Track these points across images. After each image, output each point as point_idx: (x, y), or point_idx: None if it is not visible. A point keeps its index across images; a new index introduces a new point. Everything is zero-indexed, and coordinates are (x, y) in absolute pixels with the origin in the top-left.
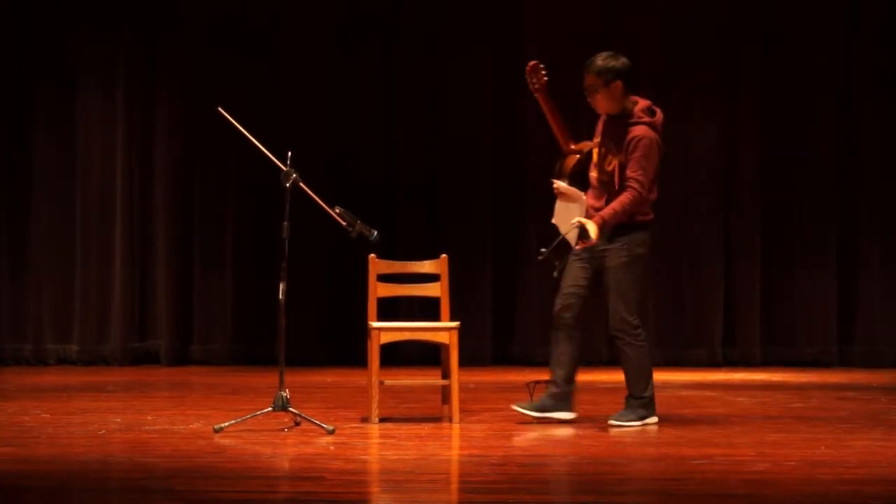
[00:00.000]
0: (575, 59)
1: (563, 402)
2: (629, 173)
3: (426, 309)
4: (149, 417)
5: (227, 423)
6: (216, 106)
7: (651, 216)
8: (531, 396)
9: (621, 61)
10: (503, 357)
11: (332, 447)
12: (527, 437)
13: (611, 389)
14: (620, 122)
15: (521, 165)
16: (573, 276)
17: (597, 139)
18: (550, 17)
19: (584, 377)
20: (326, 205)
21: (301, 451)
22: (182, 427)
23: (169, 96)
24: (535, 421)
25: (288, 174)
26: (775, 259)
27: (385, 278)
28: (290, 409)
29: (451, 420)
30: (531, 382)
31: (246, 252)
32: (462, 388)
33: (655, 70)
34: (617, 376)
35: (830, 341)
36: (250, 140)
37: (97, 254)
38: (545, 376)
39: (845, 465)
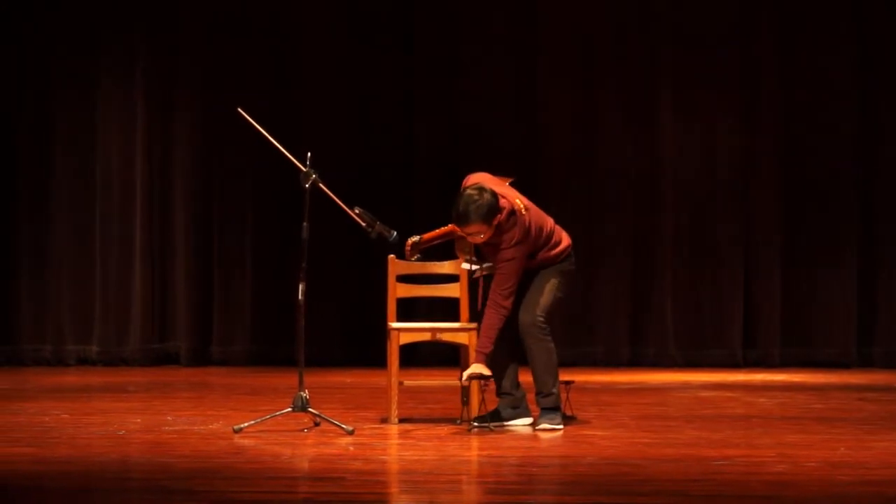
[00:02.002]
0: (591, 53)
1: (518, 408)
2: (493, 287)
3: (445, 310)
4: (168, 418)
5: (246, 424)
6: (235, 107)
7: (567, 244)
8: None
9: (490, 192)
10: (523, 358)
11: (351, 448)
12: (546, 438)
13: (631, 390)
14: (491, 243)
15: (543, 162)
16: None
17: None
18: (565, 14)
19: (603, 378)
20: (346, 205)
21: (320, 452)
22: (201, 428)
23: (188, 97)
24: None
25: (307, 174)
26: (795, 260)
27: (404, 279)
28: (310, 409)
29: (469, 421)
30: (561, 383)
31: (265, 253)
32: (480, 388)
33: (672, 70)
34: (637, 377)
35: (850, 342)
36: (270, 141)
37: (117, 255)
38: (567, 377)
39: (866, 467)
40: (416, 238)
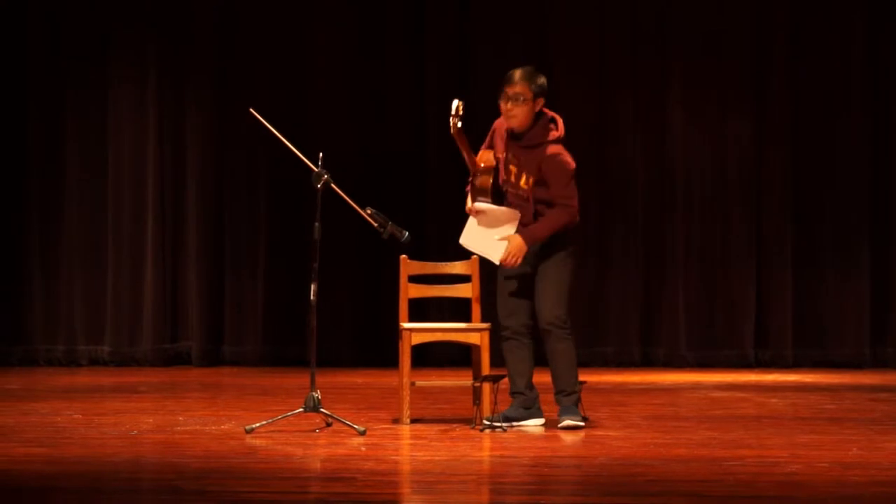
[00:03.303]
0: (603, 54)
1: (531, 409)
2: (557, 192)
3: (457, 310)
4: (180, 418)
5: (258, 424)
6: (246, 106)
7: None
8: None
9: (544, 79)
10: (538, 358)
11: (363, 448)
12: (557, 439)
13: (643, 391)
14: (528, 143)
15: None
16: (510, 285)
17: (499, 154)
18: (576, 12)
19: (614, 378)
20: (358, 205)
21: (332, 452)
22: (213, 428)
23: (200, 97)
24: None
25: (319, 175)
26: (807, 260)
27: (416, 279)
28: (322, 409)
29: (482, 421)
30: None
31: (277, 253)
32: (492, 390)
33: (684, 71)
34: (649, 377)
35: (863, 343)
36: (282, 141)
37: (129, 255)
38: (579, 377)
39: (878, 467)
40: (459, 104)
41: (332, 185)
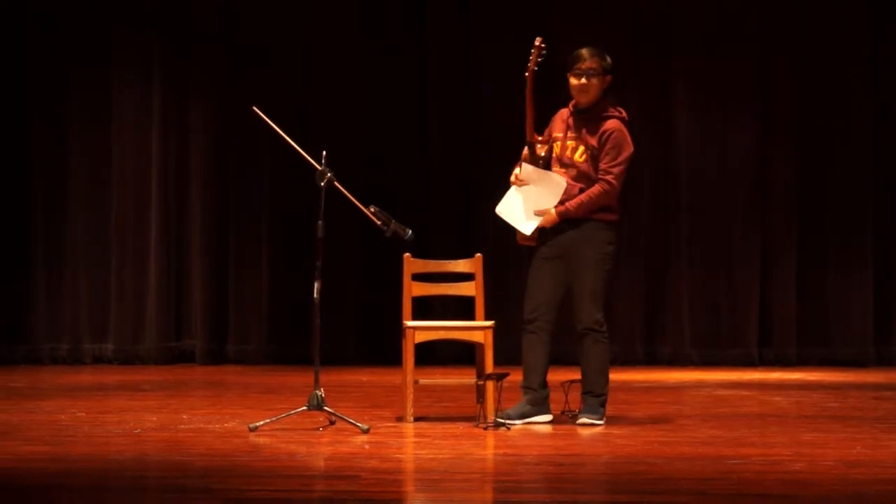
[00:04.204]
0: (607, 52)
1: (541, 405)
2: (602, 166)
3: (461, 308)
4: (184, 416)
5: (262, 422)
6: (249, 104)
7: (617, 216)
8: (566, 396)
9: (610, 59)
10: (554, 358)
11: (367, 446)
12: (562, 437)
13: (647, 389)
14: (592, 116)
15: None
16: (541, 279)
17: (556, 134)
18: (577, 12)
19: (619, 377)
20: (361, 204)
21: (336, 450)
22: (217, 426)
23: (203, 95)
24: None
25: (322, 173)
26: (810, 258)
27: (420, 277)
28: (325, 408)
29: (485, 419)
30: (566, 382)
31: (281, 251)
32: (496, 388)
33: (687, 71)
34: (653, 376)
35: (867, 341)
36: (286, 139)
37: (133, 254)
38: (577, 375)
39: (882, 465)
40: (540, 40)
41: (336, 184)
